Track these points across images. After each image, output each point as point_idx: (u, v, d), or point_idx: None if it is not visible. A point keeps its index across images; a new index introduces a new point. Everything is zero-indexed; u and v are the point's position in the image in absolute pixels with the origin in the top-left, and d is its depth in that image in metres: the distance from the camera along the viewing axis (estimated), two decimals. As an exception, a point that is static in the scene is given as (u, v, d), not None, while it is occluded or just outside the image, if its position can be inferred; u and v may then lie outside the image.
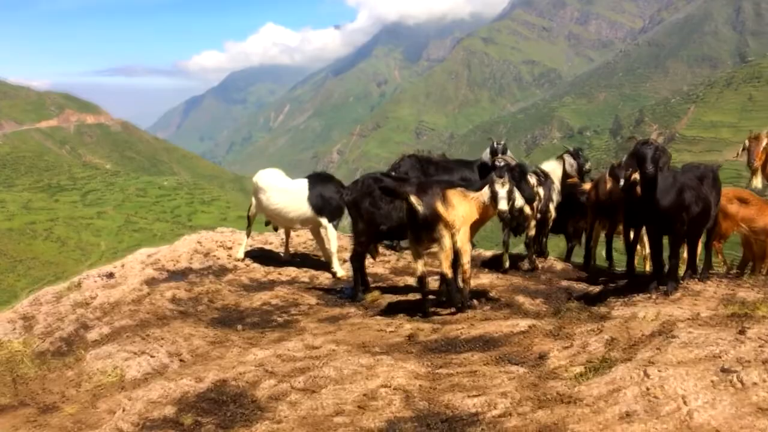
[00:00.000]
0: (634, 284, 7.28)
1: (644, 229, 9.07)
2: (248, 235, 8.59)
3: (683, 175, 6.67)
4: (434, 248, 5.86)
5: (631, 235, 7.96)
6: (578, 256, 9.90)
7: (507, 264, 8.44)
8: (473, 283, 7.47)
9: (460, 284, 5.99)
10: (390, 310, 6.14)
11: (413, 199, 5.51)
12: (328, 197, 7.69)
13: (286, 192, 7.84)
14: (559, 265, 8.80)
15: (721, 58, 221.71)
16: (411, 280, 7.59)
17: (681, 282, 6.95)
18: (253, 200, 8.20)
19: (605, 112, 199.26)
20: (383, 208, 6.53)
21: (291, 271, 7.92)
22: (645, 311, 6.06)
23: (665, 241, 7.60)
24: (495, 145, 9.34)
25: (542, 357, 4.37)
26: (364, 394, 3.84)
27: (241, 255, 8.30)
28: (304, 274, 7.85)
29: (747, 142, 7.38)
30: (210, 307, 6.67)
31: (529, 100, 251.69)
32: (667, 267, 7.00)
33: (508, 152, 9.40)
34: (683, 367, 3.47)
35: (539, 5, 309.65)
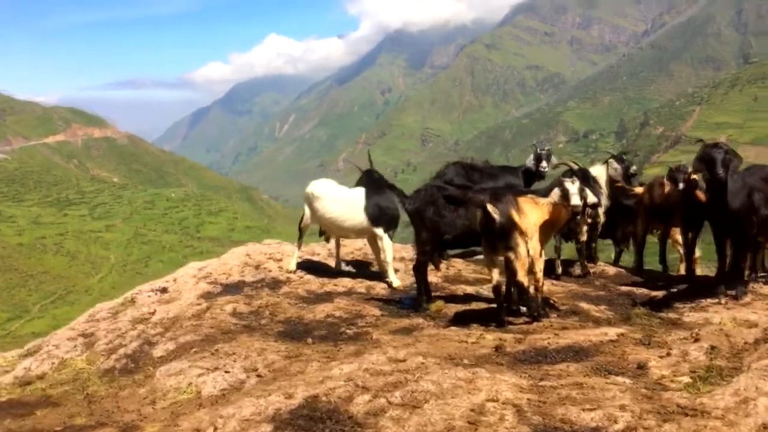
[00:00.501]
0: (696, 288, 7.16)
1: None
2: (299, 246, 8.50)
3: (750, 177, 6.57)
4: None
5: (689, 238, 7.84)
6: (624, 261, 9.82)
7: (559, 270, 8.34)
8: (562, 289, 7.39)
9: (532, 292, 5.89)
10: (461, 320, 6.02)
11: (490, 207, 5.42)
12: (384, 207, 7.59)
13: (343, 201, 7.75)
14: (611, 270, 8.69)
15: (724, 59, 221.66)
16: (470, 289, 7.49)
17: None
18: (307, 210, 8.10)
19: (610, 115, 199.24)
20: (447, 216, 6.43)
21: (346, 282, 7.81)
22: (719, 316, 5.97)
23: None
24: (539, 151, 9.26)
25: (641, 367, 4.25)
26: (471, 409, 3.73)
27: (293, 267, 8.20)
28: (359, 285, 7.74)
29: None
30: (273, 320, 6.57)
31: (534, 105, 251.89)
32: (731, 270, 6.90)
33: (553, 157, 9.32)
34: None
35: (541, 11, 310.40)
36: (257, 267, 8.33)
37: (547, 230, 5.88)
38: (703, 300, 6.64)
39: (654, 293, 7.22)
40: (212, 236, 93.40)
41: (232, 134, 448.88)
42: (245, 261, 8.48)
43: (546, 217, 5.78)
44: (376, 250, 7.88)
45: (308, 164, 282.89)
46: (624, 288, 7.57)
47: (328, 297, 7.27)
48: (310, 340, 5.86)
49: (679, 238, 8.29)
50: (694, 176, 7.12)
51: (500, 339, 5.14)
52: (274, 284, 7.79)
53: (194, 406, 4.79)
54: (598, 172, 8.91)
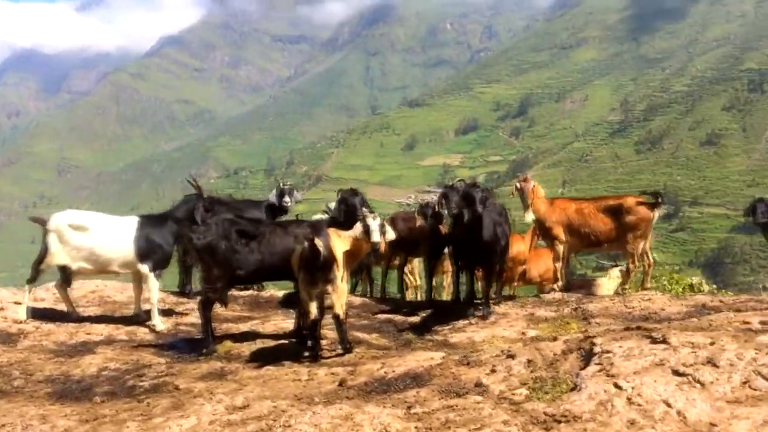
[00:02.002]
0: (442, 312, 7.95)
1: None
2: (30, 291, 7.16)
3: (492, 213, 7.56)
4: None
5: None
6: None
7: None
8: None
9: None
10: (267, 359, 5.73)
11: (318, 241, 5.33)
12: (156, 242, 6.90)
13: (111, 231, 6.85)
14: (357, 300, 9.09)
15: (357, 108, 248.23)
16: (243, 327, 7.17)
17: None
18: (54, 245, 6.86)
19: (259, 152, 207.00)
20: (240, 251, 6.10)
21: (98, 330, 6.81)
22: (479, 335, 6.75)
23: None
24: (283, 186, 9.38)
25: (479, 385, 4.60)
26: (369, 448, 3.64)
27: (24, 315, 6.87)
28: (117, 332, 6.81)
29: (519, 185, 8.64)
30: (30, 380, 5.44)
31: (185, 139, 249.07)
32: (479, 294, 7.85)
33: (296, 192, 9.51)
34: (643, 375, 4.04)
35: (190, 46, 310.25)
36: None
37: (348, 264, 5.99)
38: (457, 322, 7.39)
39: (410, 319, 7.78)
40: None
41: None
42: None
43: (348, 249, 5.89)
44: (139, 289, 7.09)
45: None
46: (382, 316, 8.00)
47: (86, 348, 6.30)
48: (98, 399, 5.02)
49: (448, 266, 9.10)
50: (440, 211, 7.98)
51: (333, 374, 5.07)
52: (6, 338, 6.45)
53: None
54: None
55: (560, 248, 8.59)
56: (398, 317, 7.88)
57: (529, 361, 4.83)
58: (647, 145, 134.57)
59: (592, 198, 8.93)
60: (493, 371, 4.82)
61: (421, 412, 4.03)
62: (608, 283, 9.75)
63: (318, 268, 5.50)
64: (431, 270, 8.72)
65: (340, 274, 5.62)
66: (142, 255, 7.02)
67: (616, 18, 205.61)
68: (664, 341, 4.39)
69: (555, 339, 5.23)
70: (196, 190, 7.65)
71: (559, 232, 8.51)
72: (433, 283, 9.68)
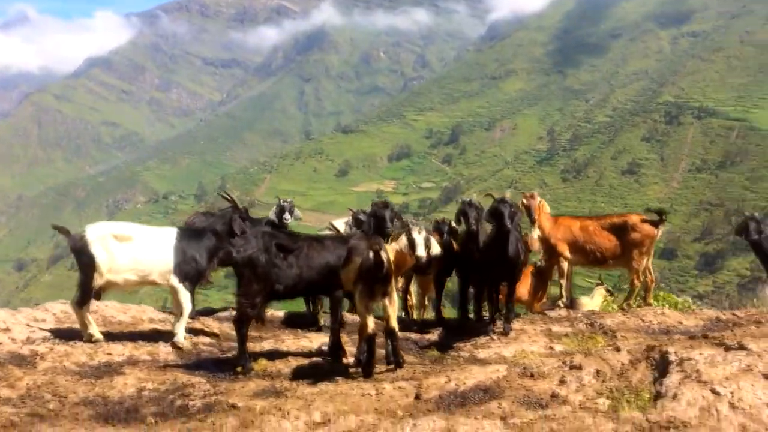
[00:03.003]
0: (456, 329, 7.94)
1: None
2: (87, 313, 6.84)
3: (514, 229, 7.60)
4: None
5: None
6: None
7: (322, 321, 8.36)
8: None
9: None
10: (316, 376, 5.57)
11: (384, 253, 5.25)
12: (192, 256, 6.70)
13: (153, 242, 6.61)
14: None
15: (290, 133, 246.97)
16: (260, 347, 6.96)
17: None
18: (102, 258, 6.53)
19: (189, 177, 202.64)
20: (280, 265, 5.93)
21: (117, 350, 6.46)
22: (507, 350, 6.78)
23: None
24: (282, 203, 9.25)
25: (555, 396, 4.61)
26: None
27: (99, 334, 6.77)
28: (137, 352, 6.48)
29: (525, 201, 8.76)
30: (65, 403, 5.10)
31: (111, 162, 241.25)
32: (497, 311, 7.88)
33: (296, 210, 9.37)
34: (737, 380, 4.14)
35: (118, 68, 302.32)
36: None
37: (393, 277, 5.91)
38: (478, 338, 7.39)
39: (428, 336, 7.74)
40: None
41: None
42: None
43: (393, 262, 5.82)
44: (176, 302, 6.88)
45: None
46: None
47: (111, 369, 5.99)
48: (151, 419, 4.76)
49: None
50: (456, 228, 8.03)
51: (400, 388, 4.97)
52: (21, 360, 6.04)
53: None
54: (339, 224, 9.33)
55: (565, 265, 8.75)
56: (413, 335, 7.82)
57: (597, 372, 4.88)
58: (572, 173, 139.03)
59: (596, 216, 9.16)
60: (562, 382, 4.84)
61: (520, 423, 4.01)
62: (591, 302, 9.98)
63: (379, 280, 5.41)
64: (441, 288, 8.70)
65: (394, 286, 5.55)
66: (176, 267, 6.81)
67: (542, 51, 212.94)
68: (742, 348, 4.52)
69: (618, 349, 5.29)
70: (231, 203, 7.45)
71: (564, 249, 8.67)
72: (411, 302, 9.73)
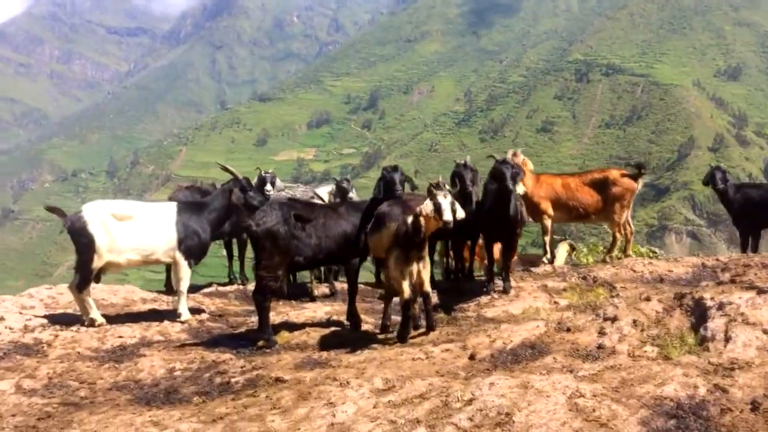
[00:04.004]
0: (449, 291, 8.01)
1: None
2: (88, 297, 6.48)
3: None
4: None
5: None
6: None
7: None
8: (340, 308, 7.18)
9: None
10: (346, 345, 5.52)
11: (421, 218, 5.22)
12: (194, 230, 6.47)
13: (152, 218, 6.35)
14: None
15: (204, 103, 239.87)
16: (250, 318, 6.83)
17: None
18: (102, 239, 6.20)
19: (99, 153, 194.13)
20: (300, 236, 5.80)
21: (126, 332, 6.18)
22: (513, 307, 6.90)
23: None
24: (264, 174, 9.04)
25: (602, 347, 4.76)
26: (570, 409, 3.65)
27: (101, 318, 6.44)
28: (147, 333, 6.22)
29: (509, 159, 8.85)
30: (95, 389, 4.87)
31: (12, 141, 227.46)
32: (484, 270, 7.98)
33: (278, 181, 9.18)
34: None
35: (14, 40, 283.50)
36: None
37: None
38: (478, 298, 7.46)
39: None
40: None
41: None
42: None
43: None
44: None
45: None
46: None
47: (128, 352, 5.76)
48: (196, 399, 4.62)
49: None
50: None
51: (448, 350, 4.99)
52: (29, 350, 5.72)
53: None
54: (323, 192, 9.23)
55: (548, 222, 8.96)
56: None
57: (634, 322, 5.05)
58: (490, 134, 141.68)
59: (576, 173, 9.39)
60: (602, 334, 4.99)
61: (590, 375, 4.11)
62: (556, 257, 10.28)
63: (415, 245, 5.38)
64: (433, 250, 8.74)
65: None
66: (180, 242, 6.61)
67: (456, 12, 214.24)
68: (774, 289, 4.76)
69: (648, 299, 5.48)
70: (231, 175, 7.19)
71: (547, 206, 8.87)
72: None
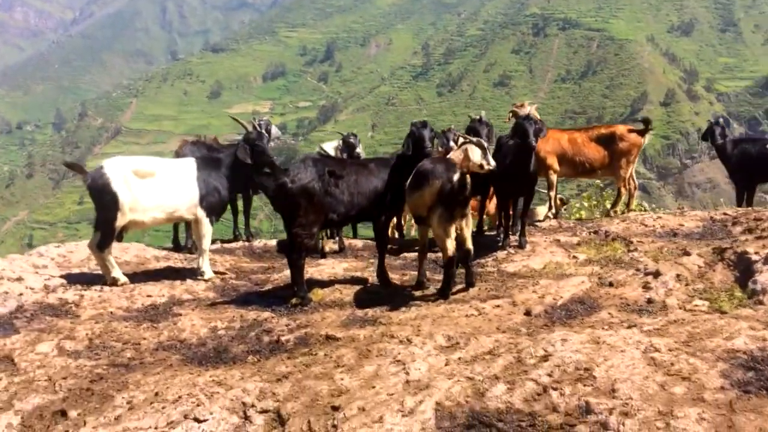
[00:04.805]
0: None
1: None
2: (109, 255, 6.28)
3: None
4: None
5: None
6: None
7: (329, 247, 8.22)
8: (357, 264, 7.12)
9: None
10: (390, 303, 5.47)
11: (468, 175, 5.14)
12: (215, 186, 6.32)
13: (174, 175, 6.22)
14: (359, 243, 8.85)
15: (154, 54, 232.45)
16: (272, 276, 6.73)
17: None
18: (125, 197, 5.98)
19: (45, 105, 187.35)
20: (334, 193, 5.67)
21: (153, 291, 6.00)
22: (533, 262, 6.94)
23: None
24: (259, 121, 8.80)
25: (651, 302, 4.82)
26: (648, 364, 3.70)
27: (124, 278, 6.22)
28: (173, 291, 6.05)
29: (515, 109, 8.80)
30: (140, 350, 4.73)
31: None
32: (513, 225, 7.97)
33: (273, 127, 9.00)
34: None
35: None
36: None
37: None
38: (496, 253, 7.48)
39: (440, 254, 7.76)
40: None
41: None
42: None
43: None
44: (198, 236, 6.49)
45: None
46: (408, 254, 7.88)
47: (162, 311, 5.62)
48: (252, 358, 4.54)
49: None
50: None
51: (499, 306, 5.00)
52: (58, 311, 5.51)
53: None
54: (329, 147, 9.06)
55: (553, 177, 9.00)
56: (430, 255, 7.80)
57: (678, 276, 5.13)
58: (447, 87, 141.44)
59: (582, 128, 9.41)
60: (647, 288, 5.05)
61: (654, 329, 4.16)
62: (547, 210, 10.38)
63: (459, 203, 5.32)
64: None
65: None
66: (202, 198, 6.47)
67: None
68: (821, 243, 4.88)
69: (688, 253, 5.56)
70: (243, 127, 7.01)
71: (554, 161, 8.90)
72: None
